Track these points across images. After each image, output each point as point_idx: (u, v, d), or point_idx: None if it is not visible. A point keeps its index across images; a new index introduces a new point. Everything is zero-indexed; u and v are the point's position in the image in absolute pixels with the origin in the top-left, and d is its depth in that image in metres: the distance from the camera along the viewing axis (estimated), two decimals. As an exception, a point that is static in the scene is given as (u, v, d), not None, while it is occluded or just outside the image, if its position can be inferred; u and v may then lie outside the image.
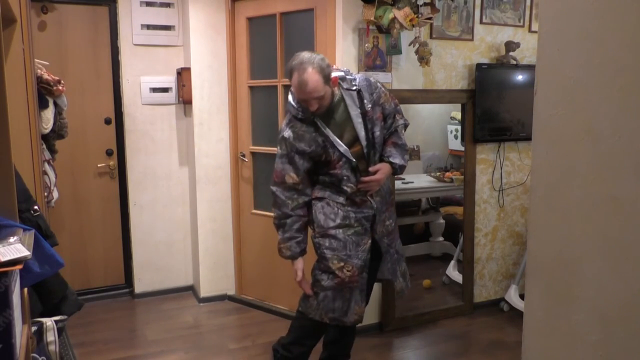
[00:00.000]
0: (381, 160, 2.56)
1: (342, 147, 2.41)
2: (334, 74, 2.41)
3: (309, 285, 2.51)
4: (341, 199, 2.48)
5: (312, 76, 2.27)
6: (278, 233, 2.51)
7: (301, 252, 2.51)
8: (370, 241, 2.54)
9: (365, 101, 2.45)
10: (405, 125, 2.66)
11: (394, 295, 3.40)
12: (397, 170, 2.58)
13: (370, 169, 2.49)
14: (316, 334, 2.64)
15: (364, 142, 2.45)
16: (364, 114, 2.44)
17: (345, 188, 2.45)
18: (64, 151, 3.32)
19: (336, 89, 2.44)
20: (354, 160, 2.43)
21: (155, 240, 4.02)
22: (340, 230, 2.47)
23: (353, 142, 2.44)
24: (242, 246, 3.87)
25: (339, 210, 2.47)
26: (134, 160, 3.91)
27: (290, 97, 2.45)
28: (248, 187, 3.75)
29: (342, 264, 2.46)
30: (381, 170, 2.50)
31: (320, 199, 2.50)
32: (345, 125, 2.44)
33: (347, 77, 2.47)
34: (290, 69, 2.33)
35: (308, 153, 2.41)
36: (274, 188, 2.48)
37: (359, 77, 2.52)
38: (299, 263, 2.52)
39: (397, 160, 2.55)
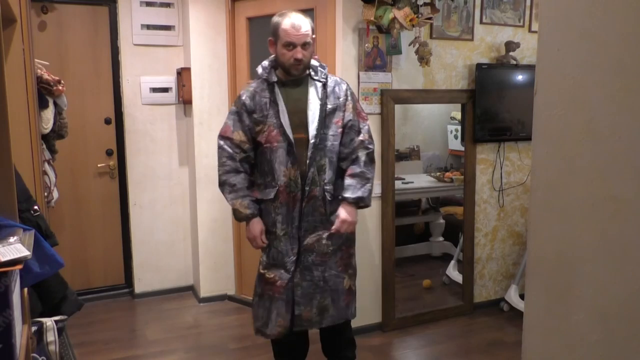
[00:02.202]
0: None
1: (286, 120, 2.34)
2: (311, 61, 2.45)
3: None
4: (272, 194, 2.38)
5: (304, 21, 2.35)
6: (225, 192, 2.41)
7: (257, 210, 2.40)
8: (297, 248, 2.41)
9: (327, 99, 2.42)
10: (368, 153, 2.45)
11: (394, 295, 3.40)
12: (355, 203, 2.41)
13: (335, 225, 2.39)
14: (287, 345, 2.59)
15: (312, 132, 2.35)
16: (322, 107, 2.39)
17: (277, 177, 2.36)
18: (64, 151, 3.32)
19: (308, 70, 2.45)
20: (294, 143, 2.34)
21: (155, 240, 4.02)
22: (270, 237, 2.43)
23: (299, 128, 2.38)
24: (242, 246, 3.87)
25: (271, 215, 2.41)
26: (134, 160, 3.91)
27: (261, 65, 2.45)
28: (248, 187, 3.75)
29: (264, 270, 2.43)
30: (339, 215, 2.39)
31: (262, 201, 2.44)
32: (299, 108, 2.40)
33: (320, 69, 2.45)
34: (278, 19, 2.37)
35: (253, 115, 2.38)
36: (221, 142, 2.43)
37: (332, 78, 2.49)
38: (259, 225, 2.40)
39: (348, 194, 2.39)
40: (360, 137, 2.46)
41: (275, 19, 2.39)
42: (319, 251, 2.43)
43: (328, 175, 2.42)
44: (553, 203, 1.04)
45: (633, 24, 0.86)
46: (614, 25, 0.89)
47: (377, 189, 3.25)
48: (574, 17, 0.97)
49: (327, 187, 2.42)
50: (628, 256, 0.89)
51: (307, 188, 2.38)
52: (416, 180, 4.50)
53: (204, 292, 3.90)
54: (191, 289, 4.13)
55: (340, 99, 2.45)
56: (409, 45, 3.13)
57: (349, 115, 2.46)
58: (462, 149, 3.77)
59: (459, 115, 4.67)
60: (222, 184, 2.42)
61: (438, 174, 4.62)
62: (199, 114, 3.74)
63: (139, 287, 4.01)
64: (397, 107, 3.32)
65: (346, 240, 2.51)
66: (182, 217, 4.08)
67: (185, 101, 3.83)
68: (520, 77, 3.58)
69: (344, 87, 2.49)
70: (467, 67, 3.47)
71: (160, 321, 3.62)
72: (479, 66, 3.42)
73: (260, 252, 2.50)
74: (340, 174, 2.48)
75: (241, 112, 2.41)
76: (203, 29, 3.67)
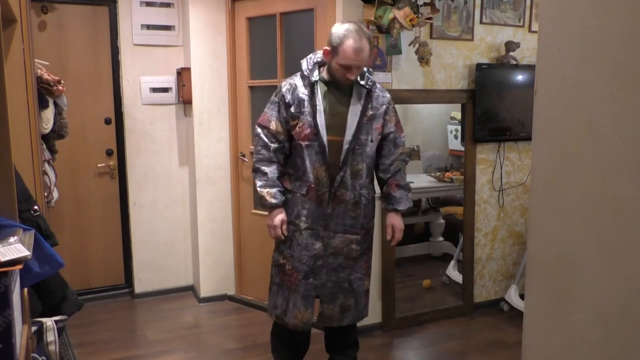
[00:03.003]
0: (382, 187, 2.59)
1: (322, 120, 2.36)
2: None
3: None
4: (304, 190, 2.42)
5: (367, 46, 2.33)
6: (256, 179, 2.45)
7: (284, 203, 2.45)
8: (322, 248, 2.44)
9: (369, 105, 2.43)
10: (406, 165, 2.62)
11: (394, 295, 3.40)
12: (404, 212, 2.60)
13: (388, 229, 2.56)
14: (288, 340, 2.61)
15: (348, 137, 2.38)
16: (363, 113, 2.41)
17: (308, 173, 2.40)
18: (64, 151, 3.32)
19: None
20: (326, 144, 2.36)
21: (155, 240, 4.02)
22: (291, 228, 2.46)
23: (336, 131, 2.39)
24: (242, 246, 3.87)
25: (295, 207, 2.44)
26: (134, 160, 3.91)
27: (306, 59, 2.46)
28: (248, 187, 3.75)
29: (285, 261, 2.48)
30: (395, 224, 2.55)
31: (289, 191, 2.47)
32: (339, 111, 2.41)
33: (367, 74, 2.47)
34: (342, 36, 2.29)
35: (289, 108, 2.40)
36: (258, 129, 2.46)
37: (378, 85, 2.52)
38: (281, 215, 2.43)
39: (401, 206, 2.54)
40: (400, 150, 2.55)
41: (339, 32, 2.30)
42: (348, 255, 2.49)
43: (364, 179, 2.47)
44: (553, 203, 1.04)
45: (633, 24, 0.86)
46: (614, 25, 0.89)
47: (377, 189, 3.24)
48: (574, 17, 0.97)
49: (363, 192, 2.47)
50: (628, 256, 0.89)
51: (333, 191, 2.41)
52: (416, 180, 4.49)
53: (204, 292, 3.90)
54: (191, 289, 4.13)
55: (383, 107, 2.49)
56: (409, 45, 3.13)
57: (391, 127, 2.52)
58: (462, 149, 3.77)
59: (459, 115, 4.68)
60: (255, 170, 2.47)
61: (438, 174, 4.62)
62: (199, 114, 3.74)
63: (139, 287, 4.01)
64: (397, 107, 3.30)
65: (370, 245, 2.59)
66: (182, 217, 4.08)
67: (185, 101, 3.83)
68: (520, 77, 3.58)
69: (388, 96, 2.54)
70: (467, 67, 3.47)
71: (160, 321, 3.62)
72: (479, 66, 3.42)
73: (279, 244, 2.52)
74: (372, 178, 2.55)
75: (280, 103, 2.44)
76: (203, 29, 3.67)
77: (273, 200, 2.42)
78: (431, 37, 3.31)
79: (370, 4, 2.91)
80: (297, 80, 2.45)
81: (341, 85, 2.41)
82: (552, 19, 1.04)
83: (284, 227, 2.45)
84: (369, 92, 2.44)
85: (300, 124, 2.38)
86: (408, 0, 2.87)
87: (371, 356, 3.11)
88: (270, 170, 2.43)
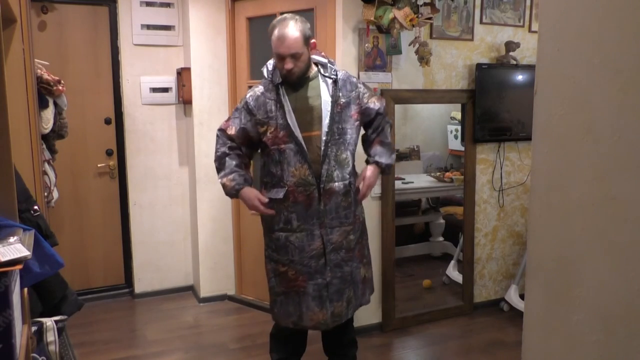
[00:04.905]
0: (367, 161, 2.54)
1: (293, 120, 2.34)
2: (317, 57, 2.45)
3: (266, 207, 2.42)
4: (281, 194, 2.37)
5: (292, 31, 2.30)
6: (218, 177, 2.46)
7: (246, 181, 2.42)
8: (321, 246, 2.40)
9: (339, 94, 2.42)
10: (390, 127, 2.60)
11: (394, 295, 3.40)
12: (384, 170, 2.52)
13: (359, 180, 2.46)
14: (286, 341, 2.61)
15: (324, 129, 2.36)
16: (334, 103, 2.39)
17: (286, 178, 2.36)
18: (64, 151, 3.32)
19: (314, 67, 2.45)
20: (303, 142, 2.34)
21: (155, 240, 4.02)
22: (283, 234, 2.41)
23: (311, 126, 2.38)
24: (242, 246, 3.87)
25: (281, 213, 2.40)
26: (134, 160, 3.91)
27: (266, 66, 2.47)
28: (248, 187, 3.75)
29: (285, 268, 2.43)
30: (367, 177, 2.45)
31: (270, 200, 2.42)
32: (309, 106, 2.39)
33: (329, 65, 2.46)
34: (272, 26, 2.35)
35: (255, 116, 2.39)
36: (218, 132, 2.49)
37: (342, 72, 2.50)
38: (252, 191, 2.40)
39: (383, 159, 2.49)
40: (380, 111, 2.52)
41: (271, 25, 2.38)
42: (347, 247, 2.47)
43: (351, 168, 2.47)
44: (553, 203, 1.04)
45: (633, 24, 0.86)
46: (614, 25, 0.89)
47: (376, 189, 3.25)
48: (574, 17, 0.97)
49: (352, 179, 2.47)
50: (628, 256, 0.89)
51: (322, 186, 2.38)
52: (416, 180, 4.50)
53: (204, 292, 3.90)
54: (191, 289, 4.13)
55: (353, 92, 2.47)
56: (409, 45, 3.13)
57: (369, 103, 2.51)
58: (462, 149, 3.77)
59: (459, 115, 4.68)
60: (216, 169, 2.48)
61: (438, 174, 4.62)
62: (199, 114, 3.74)
63: (139, 287, 4.01)
64: (397, 107, 3.32)
65: (362, 232, 2.58)
66: (182, 217, 4.08)
67: (185, 101, 3.83)
68: (520, 77, 3.58)
69: (354, 80, 2.53)
70: (467, 67, 3.47)
71: (160, 321, 3.62)
72: (479, 66, 3.42)
73: (273, 254, 2.49)
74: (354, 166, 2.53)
75: (242, 110, 2.45)
76: (203, 29, 3.67)
77: (233, 183, 2.39)
78: (431, 37, 3.31)
79: (370, 4, 2.90)
80: (260, 87, 2.45)
81: (305, 82, 2.41)
82: (552, 19, 1.04)
83: (263, 199, 2.39)
84: (335, 82, 2.43)
85: (272, 129, 2.36)
86: (408, 0, 2.87)
87: (371, 356, 3.11)
88: (226, 160, 2.43)
